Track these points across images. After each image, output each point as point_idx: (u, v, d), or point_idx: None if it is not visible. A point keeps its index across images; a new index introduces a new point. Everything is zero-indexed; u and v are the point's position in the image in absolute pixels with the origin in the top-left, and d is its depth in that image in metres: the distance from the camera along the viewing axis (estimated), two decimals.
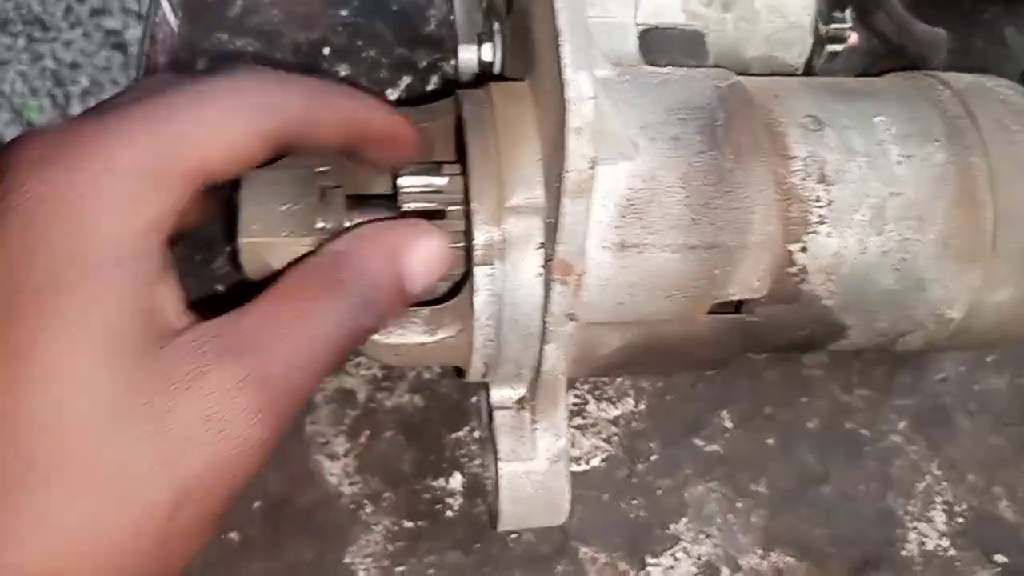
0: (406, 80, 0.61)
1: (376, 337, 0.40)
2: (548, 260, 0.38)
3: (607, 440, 0.50)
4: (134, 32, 2.17)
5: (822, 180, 0.41)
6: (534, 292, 0.39)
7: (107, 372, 0.29)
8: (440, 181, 0.42)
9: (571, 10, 0.34)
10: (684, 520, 0.49)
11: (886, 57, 0.54)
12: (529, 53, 0.40)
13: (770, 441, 0.51)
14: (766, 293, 0.41)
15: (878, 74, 0.49)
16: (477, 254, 0.38)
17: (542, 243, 0.38)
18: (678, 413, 0.51)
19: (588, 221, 0.35)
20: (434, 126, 0.45)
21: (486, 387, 0.44)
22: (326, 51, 0.62)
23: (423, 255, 0.37)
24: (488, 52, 0.52)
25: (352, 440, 0.50)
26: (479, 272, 0.38)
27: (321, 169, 0.43)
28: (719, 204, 0.39)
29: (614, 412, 0.51)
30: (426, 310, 0.41)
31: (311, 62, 0.61)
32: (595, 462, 0.50)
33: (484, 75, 0.50)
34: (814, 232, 0.41)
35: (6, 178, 0.30)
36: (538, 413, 0.42)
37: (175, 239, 0.34)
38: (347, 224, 0.42)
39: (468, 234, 0.40)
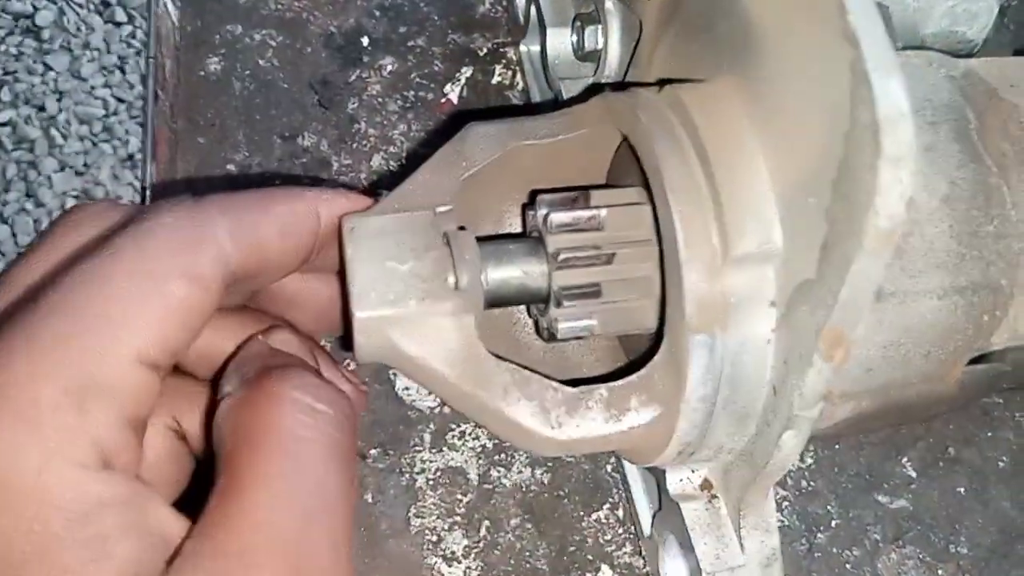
0: (466, 72, 0.51)
1: (547, 432, 0.31)
2: (780, 325, 0.28)
3: (776, 506, 0.41)
4: (45, 15, 1.99)
5: None
6: (762, 365, 0.29)
7: None
8: (601, 214, 0.32)
9: None
10: None
11: None
12: (729, 43, 0.30)
13: (960, 489, 0.43)
14: None
15: None
16: (692, 318, 0.29)
17: (773, 301, 0.29)
18: (852, 465, 0.43)
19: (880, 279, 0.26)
20: (570, 140, 0.35)
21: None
22: (364, 42, 0.51)
23: None
24: (593, 38, 0.43)
25: (470, 534, 0.40)
26: (695, 342, 0.29)
27: (443, 209, 0.33)
28: (988, 232, 0.30)
29: None
30: (603, 389, 0.31)
31: (349, 56, 0.50)
32: None
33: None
34: None
35: None
36: (747, 507, 0.33)
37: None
38: (485, 280, 0.32)
39: (662, 285, 0.31)
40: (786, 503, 0.42)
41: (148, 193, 0.41)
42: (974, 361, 0.33)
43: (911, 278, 0.29)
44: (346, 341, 0.32)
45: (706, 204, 0.29)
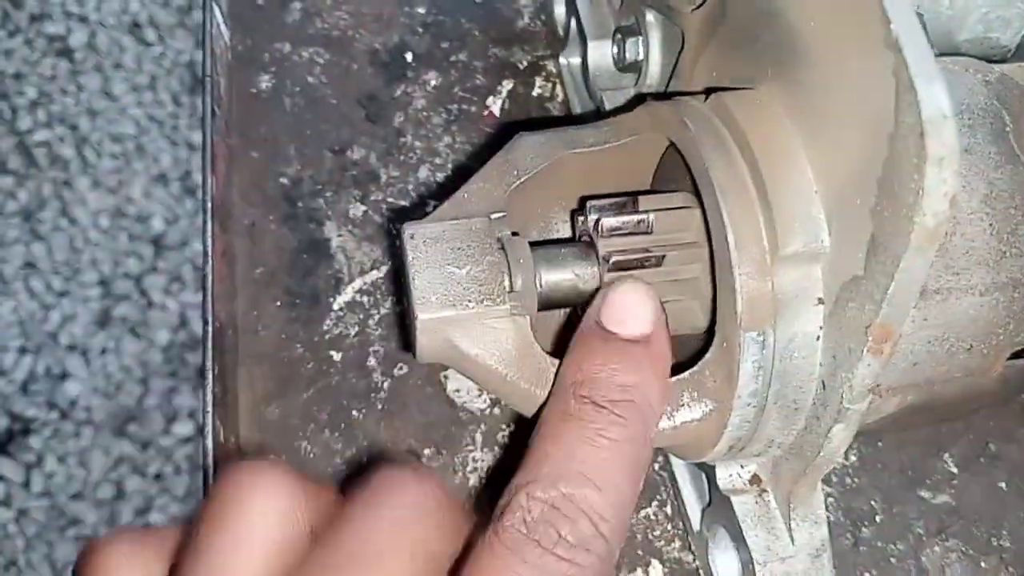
0: (507, 85, 0.52)
1: None
2: (830, 321, 0.29)
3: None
4: (79, 37, 2.03)
5: None
6: (811, 360, 0.31)
7: None
8: (650, 218, 0.34)
9: None
10: None
11: None
12: (773, 52, 0.31)
13: (1002, 484, 0.44)
14: None
15: None
16: (744, 316, 0.30)
17: (820, 298, 0.30)
18: (895, 462, 0.44)
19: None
20: (616, 148, 0.36)
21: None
22: (408, 57, 0.52)
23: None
24: (634, 49, 0.44)
25: None
26: (747, 339, 0.30)
27: (496, 215, 0.34)
28: None
29: None
30: None
31: (394, 72, 0.52)
32: None
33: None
34: None
35: None
36: (796, 499, 0.34)
37: None
38: (538, 283, 0.34)
39: (713, 286, 0.32)
40: (831, 499, 0.42)
41: (209, 205, 0.43)
42: (1015, 356, 0.34)
43: (954, 275, 0.30)
44: (407, 342, 0.33)
45: (755, 206, 0.30)
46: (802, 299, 0.30)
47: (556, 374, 0.32)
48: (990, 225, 0.31)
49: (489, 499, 0.29)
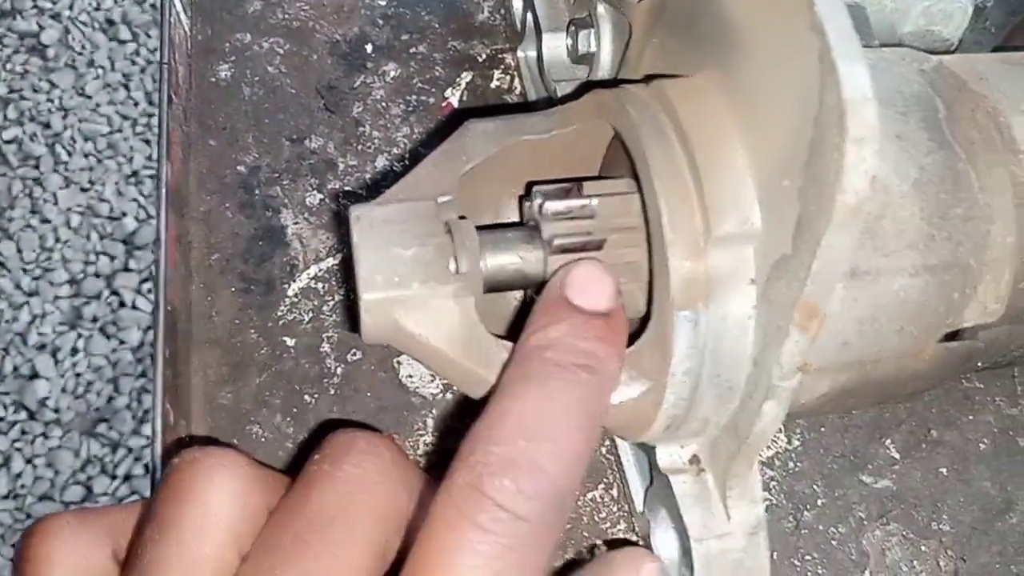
0: (466, 77, 0.53)
1: None
2: (764, 299, 0.30)
3: (764, 486, 0.43)
4: (51, 34, 2.02)
5: None
6: (743, 339, 0.31)
7: None
8: (593, 203, 0.34)
9: None
10: (867, 573, 0.42)
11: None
12: (710, 39, 0.32)
13: (942, 470, 0.45)
14: (1001, 315, 0.34)
15: None
16: (676, 296, 0.31)
17: (752, 278, 0.31)
18: (837, 447, 0.44)
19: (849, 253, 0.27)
20: (564, 135, 0.37)
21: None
22: (368, 49, 0.53)
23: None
24: (586, 41, 0.45)
25: None
26: (680, 318, 0.31)
27: (444, 199, 0.35)
28: (957, 214, 0.32)
29: (767, 452, 0.44)
30: None
31: (354, 63, 0.52)
32: None
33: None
34: None
35: None
36: (732, 478, 0.35)
37: None
38: (484, 265, 0.34)
39: (650, 269, 0.33)
40: (774, 483, 0.43)
41: (164, 191, 0.43)
42: (950, 338, 0.35)
43: (884, 257, 0.31)
44: (354, 323, 0.34)
45: (689, 189, 0.31)
46: (735, 279, 0.31)
47: (514, 348, 0.32)
48: (920, 208, 0.32)
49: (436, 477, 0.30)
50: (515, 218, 0.40)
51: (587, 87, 0.39)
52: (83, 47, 2.05)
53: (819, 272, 0.27)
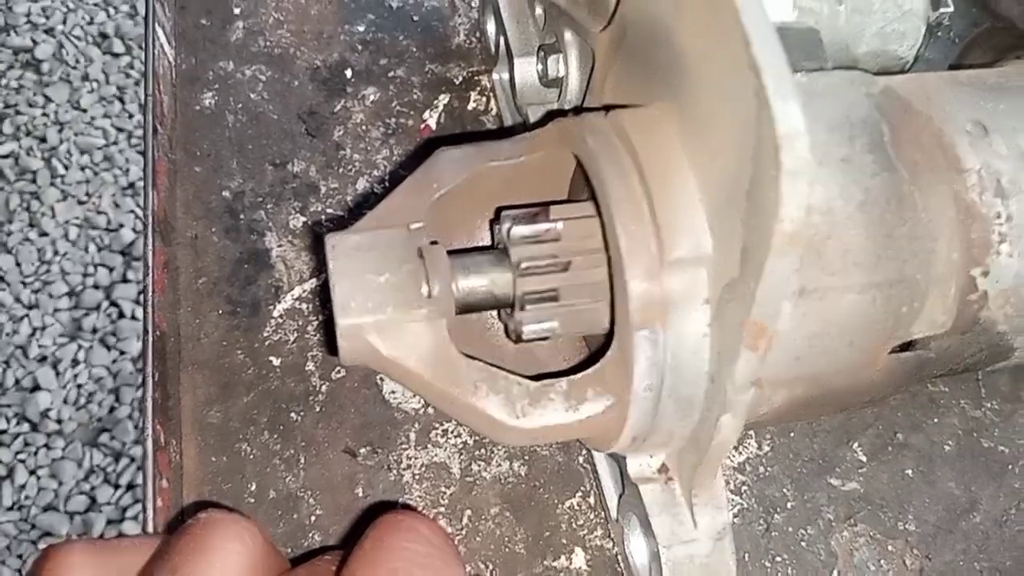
0: (443, 99, 0.54)
1: (512, 422, 0.34)
2: (719, 319, 0.32)
3: (736, 491, 0.45)
4: (45, 49, 2.03)
5: (999, 194, 0.36)
6: (700, 356, 0.33)
7: None
8: (558, 227, 0.36)
9: (757, 18, 0.28)
10: (835, 573, 0.44)
11: (983, 41, 0.49)
12: (663, 71, 0.34)
13: (908, 471, 0.46)
14: (950, 327, 0.36)
15: (992, 63, 0.45)
16: (635, 316, 0.32)
17: (706, 299, 0.32)
18: (806, 451, 0.46)
19: (792, 276, 0.29)
20: (531, 161, 0.39)
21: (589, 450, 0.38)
22: (348, 74, 0.55)
23: None
24: (555, 66, 0.46)
25: (454, 522, 0.43)
26: (638, 337, 0.32)
27: (416, 226, 0.36)
28: (902, 233, 0.34)
29: (739, 458, 0.46)
30: (563, 382, 0.35)
31: (334, 88, 0.54)
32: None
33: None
34: (996, 253, 0.36)
35: None
36: (697, 486, 0.37)
37: None
38: (455, 288, 0.36)
39: (611, 289, 0.34)
40: (745, 487, 0.45)
41: (150, 219, 0.45)
42: (903, 350, 0.37)
43: (831, 276, 0.33)
44: (333, 346, 0.35)
45: (645, 215, 0.32)
46: (689, 300, 0.32)
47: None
48: (866, 229, 0.33)
49: None
50: (489, 240, 0.42)
51: (553, 115, 0.40)
52: (77, 61, 2.06)
53: (764, 295, 0.29)
